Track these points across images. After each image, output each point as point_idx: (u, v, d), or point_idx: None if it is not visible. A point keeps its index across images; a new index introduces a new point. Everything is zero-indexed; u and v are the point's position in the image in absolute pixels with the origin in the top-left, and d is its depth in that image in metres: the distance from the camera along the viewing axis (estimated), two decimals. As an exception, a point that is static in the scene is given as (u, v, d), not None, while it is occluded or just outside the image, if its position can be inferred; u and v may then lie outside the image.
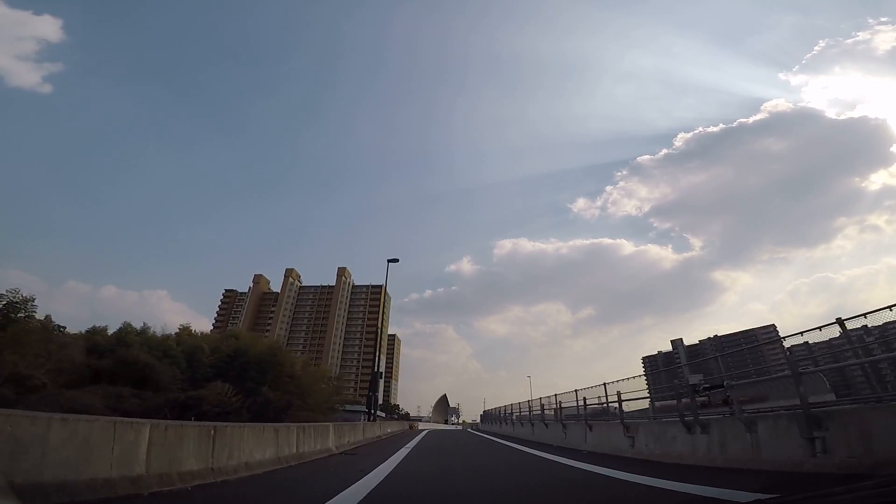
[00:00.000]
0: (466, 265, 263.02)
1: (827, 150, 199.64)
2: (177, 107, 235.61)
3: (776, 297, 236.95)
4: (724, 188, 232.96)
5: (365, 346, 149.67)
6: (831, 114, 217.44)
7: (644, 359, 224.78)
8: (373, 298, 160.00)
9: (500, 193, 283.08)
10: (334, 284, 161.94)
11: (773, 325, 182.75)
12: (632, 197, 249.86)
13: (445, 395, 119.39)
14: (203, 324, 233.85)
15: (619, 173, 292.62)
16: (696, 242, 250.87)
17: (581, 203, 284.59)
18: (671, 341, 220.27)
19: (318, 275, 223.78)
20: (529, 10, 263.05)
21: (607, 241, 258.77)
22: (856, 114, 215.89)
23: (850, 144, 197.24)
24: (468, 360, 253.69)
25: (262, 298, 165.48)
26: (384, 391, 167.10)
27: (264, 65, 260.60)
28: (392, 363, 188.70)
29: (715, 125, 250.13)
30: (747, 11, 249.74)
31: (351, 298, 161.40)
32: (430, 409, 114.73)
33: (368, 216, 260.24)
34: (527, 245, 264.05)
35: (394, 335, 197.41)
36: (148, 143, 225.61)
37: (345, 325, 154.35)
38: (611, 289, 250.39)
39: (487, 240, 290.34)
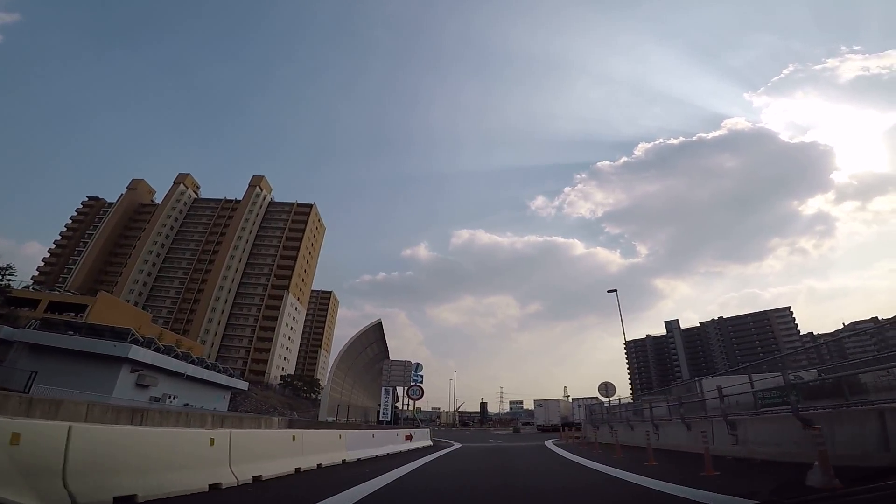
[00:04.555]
0: (423, 251, 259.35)
1: (775, 171, 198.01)
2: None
3: (707, 308, 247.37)
4: (675, 200, 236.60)
5: (273, 286, 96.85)
6: (785, 136, 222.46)
7: (628, 343, 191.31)
8: (297, 221, 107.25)
9: (464, 183, 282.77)
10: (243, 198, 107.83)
11: (789, 307, 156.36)
12: (588, 200, 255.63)
13: (380, 322, 47.20)
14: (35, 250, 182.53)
15: (578, 175, 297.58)
16: (643, 250, 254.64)
17: (540, 201, 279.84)
18: (665, 322, 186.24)
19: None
20: (520, 4, 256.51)
21: (560, 240, 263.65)
22: (807, 138, 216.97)
23: (797, 168, 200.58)
24: (419, 346, 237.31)
25: (139, 210, 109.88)
26: (303, 361, 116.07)
27: (236, 34, 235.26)
28: (323, 327, 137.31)
29: (676, 137, 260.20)
30: (730, 27, 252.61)
31: (265, 219, 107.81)
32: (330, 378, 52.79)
33: (322, 189, 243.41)
34: (484, 237, 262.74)
35: (329, 292, 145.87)
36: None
37: (247, 251, 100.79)
38: (559, 286, 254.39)
39: (446, 227, 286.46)
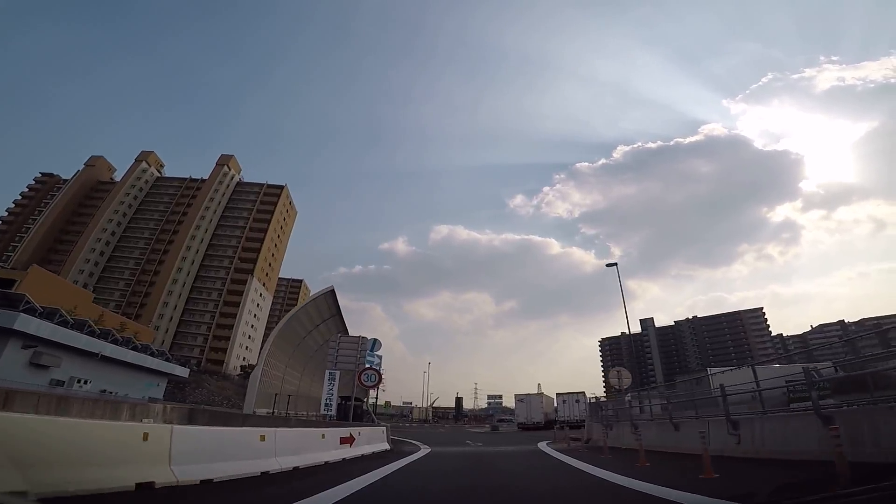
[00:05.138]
0: (401, 245, 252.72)
1: (747, 178, 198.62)
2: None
3: (676, 310, 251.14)
4: (650, 203, 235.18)
5: (237, 269, 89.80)
6: (759, 144, 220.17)
7: (602, 340, 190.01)
8: (266, 203, 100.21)
9: (445, 179, 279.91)
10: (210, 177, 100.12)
11: (761, 308, 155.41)
12: (566, 200, 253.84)
13: (332, 290, 33.31)
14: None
15: (557, 176, 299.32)
16: (617, 251, 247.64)
17: (519, 199, 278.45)
18: (640, 321, 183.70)
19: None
20: (511, 4, 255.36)
21: (537, 238, 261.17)
22: (780, 146, 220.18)
23: (768, 175, 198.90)
24: (394, 341, 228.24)
25: (96, 188, 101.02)
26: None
27: (228, 25, 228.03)
28: (281, 310, 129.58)
29: (654, 141, 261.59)
30: (716, 33, 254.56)
31: (231, 199, 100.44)
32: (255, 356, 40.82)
33: (303, 180, 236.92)
34: (462, 233, 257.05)
35: (300, 280, 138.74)
36: None
37: (210, 232, 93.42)
38: (534, 284, 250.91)
39: (426, 223, 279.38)
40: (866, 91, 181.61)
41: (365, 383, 19.37)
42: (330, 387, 20.00)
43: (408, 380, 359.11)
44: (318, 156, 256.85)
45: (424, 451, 16.86)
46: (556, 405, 47.25)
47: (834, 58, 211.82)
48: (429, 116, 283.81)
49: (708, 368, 21.85)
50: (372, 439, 15.78)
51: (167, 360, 40.32)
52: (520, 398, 46.46)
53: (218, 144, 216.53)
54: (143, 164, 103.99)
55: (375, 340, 20.37)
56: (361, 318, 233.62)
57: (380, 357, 20.93)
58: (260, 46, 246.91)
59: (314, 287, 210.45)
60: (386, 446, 16.98)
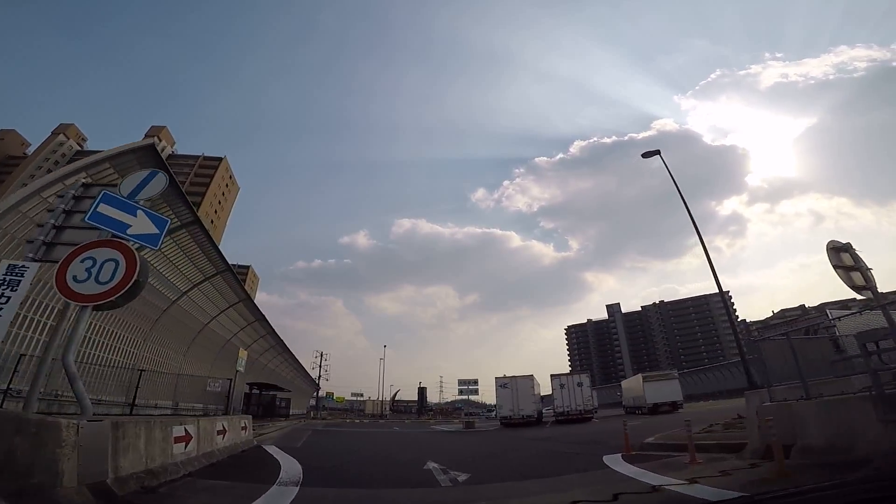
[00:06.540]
0: (362, 239, 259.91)
1: (697, 172, 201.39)
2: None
3: (630, 301, 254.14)
4: (605, 197, 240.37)
5: (166, 244, 78.38)
6: (708, 139, 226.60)
7: (569, 328, 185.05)
8: (201, 175, 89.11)
9: (407, 172, 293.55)
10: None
11: (727, 291, 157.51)
12: (525, 194, 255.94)
13: (153, 145, 13.68)
14: None
15: (517, 170, 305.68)
16: (574, 244, 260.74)
17: (480, 193, 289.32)
18: (607, 307, 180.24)
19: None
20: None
21: (498, 232, 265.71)
22: (727, 142, 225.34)
23: (717, 169, 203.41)
24: (356, 336, 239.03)
25: (4, 162, 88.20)
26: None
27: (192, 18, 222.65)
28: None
29: (609, 136, 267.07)
30: (667, 31, 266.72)
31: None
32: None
33: (263, 173, 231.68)
34: (425, 226, 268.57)
35: (247, 267, 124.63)
36: None
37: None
38: (496, 278, 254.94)
39: (387, 216, 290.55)
40: (807, 87, 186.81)
41: (72, 286, 5.56)
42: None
43: (373, 375, 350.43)
44: (276, 149, 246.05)
45: None
46: (549, 391, 35.31)
47: (778, 54, 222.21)
48: (394, 111, 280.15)
49: (828, 311, 13.84)
50: None
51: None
52: (502, 383, 32.04)
53: (181, 135, 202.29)
54: (61, 137, 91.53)
55: (156, 173, 7.25)
56: (322, 313, 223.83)
57: (160, 226, 6.73)
58: (228, 41, 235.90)
59: (272, 283, 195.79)
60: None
